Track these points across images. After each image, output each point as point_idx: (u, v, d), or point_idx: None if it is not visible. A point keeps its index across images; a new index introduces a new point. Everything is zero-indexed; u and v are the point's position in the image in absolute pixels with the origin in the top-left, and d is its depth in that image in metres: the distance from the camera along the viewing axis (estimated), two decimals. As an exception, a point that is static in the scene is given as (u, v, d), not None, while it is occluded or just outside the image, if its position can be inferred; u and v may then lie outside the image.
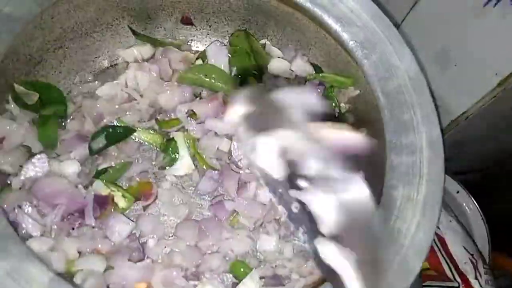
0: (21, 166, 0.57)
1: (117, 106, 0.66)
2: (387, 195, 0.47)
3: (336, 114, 0.67)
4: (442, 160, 0.49)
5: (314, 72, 0.70)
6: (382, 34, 0.57)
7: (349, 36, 0.58)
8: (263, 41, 0.72)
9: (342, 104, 0.69)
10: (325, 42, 0.67)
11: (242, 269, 0.59)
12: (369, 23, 0.59)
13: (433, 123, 0.52)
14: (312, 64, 0.71)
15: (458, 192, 0.99)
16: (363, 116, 0.65)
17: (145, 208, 0.63)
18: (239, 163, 0.66)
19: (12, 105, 0.59)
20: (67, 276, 0.50)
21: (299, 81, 0.71)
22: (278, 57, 0.71)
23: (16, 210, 0.53)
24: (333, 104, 0.67)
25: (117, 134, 0.65)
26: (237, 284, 0.56)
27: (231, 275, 0.59)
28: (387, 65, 0.56)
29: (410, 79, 0.54)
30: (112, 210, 0.59)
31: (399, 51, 0.56)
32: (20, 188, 0.56)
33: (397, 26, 0.70)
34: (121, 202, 0.59)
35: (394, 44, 0.57)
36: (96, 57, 0.71)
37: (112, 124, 0.65)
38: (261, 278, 0.57)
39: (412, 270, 0.41)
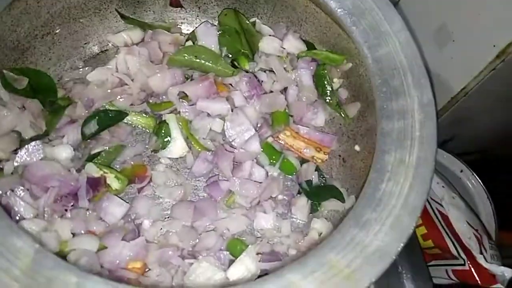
0: (14, 152, 0.57)
1: (108, 91, 0.66)
2: (379, 160, 0.46)
3: (328, 92, 0.66)
4: (434, 123, 0.48)
5: (306, 49, 0.69)
6: (370, 0, 0.56)
7: (337, 4, 0.57)
8: (253, 20, 0.71)
9: (335, 79, 0.68)
10: (315, 16, 0.66)
11: (238, 247, 0.59)
12: (358, -9, 0.58)
13: (425, 87, 0.51)
14: (304, 40, 0.70)
15: (461, 171, 0.98)
16: (356, 89, 0.64)
17: (139, 190, 0.63)
18: (233, 143, 0.65)
19: (2, 91, 0.59)
20: (61, 256, 0.49)
21: (291, 58, 0.70)
22: (269, 35, 0.70)
23: (8, 194, 0.53)
24: (325, 83, 0.66)
25: (109, 118, 0.64)
26: (233, 261, 0.55)
27: (227, 253, 0.58)
28: (376, 31, 0.55)
29: (401, 44, 0.53)
30: (106, 192, 0.59)
31: (388, 17, 0.55)
32: (12, 173, 0.56)
33: (394, 4, 0.69)
34: (115, 184, 0.59)
35: (383, 10, 0.55)
36: (85, 43, 0.70)
37: (104, 108, 0.65)
38: (258, 254, 0.56)
39: (406, 229, 0.40)
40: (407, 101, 0.50)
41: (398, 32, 0.54)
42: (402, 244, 0.39)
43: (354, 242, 0.40)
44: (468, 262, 0.76)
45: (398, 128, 0.48)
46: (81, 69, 0.69)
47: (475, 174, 0.96)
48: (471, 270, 0.76)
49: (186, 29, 0.75)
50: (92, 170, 0.58)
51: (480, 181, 0.95)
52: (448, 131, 0.94)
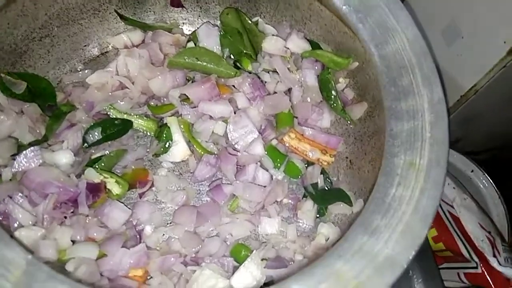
0: (13, 157, 0.56)
1: (109, 94, 0.64)
2: (388, 163, 0.44)
3: (333, 97, 0.64)
4: (446, 122, 0.45)
5: (311, 48, 0.67)
6: (377, -3, 0.54)
7: (342, 1, 0.55)
8: (255, 19, 0.70)
9: (341, 79, 0.66)
10: (320, 15, 0.64)
11: (243, 252, 0.57)
12: (363, -13, 0.56)
13: (435, 85, 0.48)
14: (308, 40, 0.68)
15: (472, 171, 0.95)
16: (363, 90, 0.62)
17: (141, 195, 0.61)
18: (236, 146, 0.63)
19: (0, 96, 0.57)
20: (59, 264, 0.48)
21: (295, 58, 0.68)
22: (272, 35, 0.68)
23: (6, 201, 0.52)
24: (330, 87, 0.64)
25: (115, 128, 0.63)
26: (238, 267, 0.54)
27: (231, 259, 0.56)
28: (383, 28, 0.52)
29: (409, 41, 0.51)
30: (107, 197, 0.58)
31: (396, 14, 0.53)
32: (10, 180, 0.55)
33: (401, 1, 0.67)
34: (115, 189, 0.58)
35: (390, 6, 0.53)
36: (85, 45, 0.69)
37: (105, 112, 0.64)
38: (263, 260, 0.54)
39: (417, 236, 0.38)
40: (416, 100, 0.47)
41: (406, 28, 0.52)
42: (413, 253, 0.37)
43: (362, 251, 0.38)
44: (481, 265, 0.74)
45: (408, 129, 0.46)
46: (80, 72, 0.68)
47: (486, 174, 0.93)
48: (484, 273, 0.74)
49: (188, 29, 0.74)
50: (92, 175, 0.57)
51: (491, 181, 0.93)
52: (458, 130, 0.92)
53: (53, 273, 0.34)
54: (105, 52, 0.71)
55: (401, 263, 0.37)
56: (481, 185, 0.94)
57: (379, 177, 0.43)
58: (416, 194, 0.41)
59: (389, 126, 0.46)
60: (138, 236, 0.57)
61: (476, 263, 0.75)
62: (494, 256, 0.73)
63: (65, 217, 0.54)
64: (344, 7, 0.54)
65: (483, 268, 0.74)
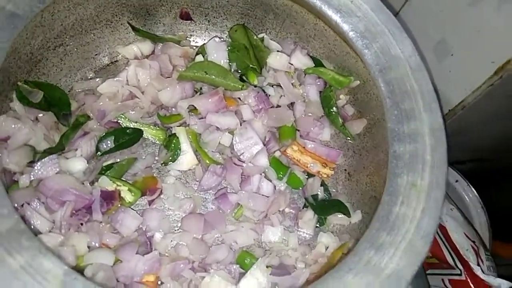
0: (30, 165, 0.58)
1: (119, 103, 0.67)
2: (391, 182, 0.48)
3: (333, 113, 0.68)
4: (445, 147, 0.49)
5: (314, 65, 0.71)
6: (382, 24, 0.58)
7: (349, 27, 0.58)
8: (261, 35, 0.72)
9: (341, 96, 0.70)
10: (324, 34, 0.67)
11: (248, 259, 0.60)
12: (369, 13, 0.59)
13: (435, 111, 0.52)
14: (311, 57, 0.71)
15: (457, 181, 1.00)
16: (363, 107, 0.66)
17: (150, 202, 0.64)
18: (241, 157, 0.66)
19: (17, 104, 0.59)
20: (78, 270, 0.50)
21: (298, 73, 0.71)
22: (277, 51, 0.71)
23: (24, 207, 0.54)
24: (331, 104, 0.68)
25: (127, 137, 0.65)
26: (244, 274, 0.57)
27: (238, 266, 0.59)
28: (388, 55, 0.56)
29: (411, 68, 0.55)
30: (119, 205, 0.60)
31: (400, 41, 0.57)
32: (27, 186, 0.57)
33: (394, 14, 0.70)
34: (128, 196, 0.60)
35: (394, 34, 0.57)
36: (96, 54, 0.71)
37: (116, 121, 0.66)
38: (267, 267, 0.57)
39: (419, 254, 0.42)
40: (418, 124, 0.51)
41: (410, 57, 0.56)
42: (416, 268, 0.41)
43: (370, 265, 0.41)
44: (465, 272, 0.78)
45: (410, 151, 0.50)
46: (91, 80, 0.69)
47: (470, 185, 0.98)
48: (467, 280, 0.78)
49: (195, 41, 0.76)
50: (106, 183, 0.59)
51: (475, 191, 0.98)
52: (445, 142, 0.95)
53: (90, 283, 0.37)
54: (115, 61, 0.73)
55: (406, 277, 0.41)
56: (465, 195, 0.98)
57: (383, 195, 0.47)
58: (418, 213, 0.45)
59: (392, 148, 0.50)
60: (148, 243, 0.60)
61: (461, 270, 0.79)
62: (478, 264, 0.78)
63: (81, 224, 0.56)
64: (351, 32, 0.58)
65: (467, 276, 0.77)
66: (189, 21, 0.74)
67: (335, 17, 0.59)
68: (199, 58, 0.71)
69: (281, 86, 0.70)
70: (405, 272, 0.41)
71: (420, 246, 0.43)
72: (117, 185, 0.60)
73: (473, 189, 0.98)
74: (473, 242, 0.82)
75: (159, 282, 0.57)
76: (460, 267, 0.79)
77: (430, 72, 0.84)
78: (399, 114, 0.52)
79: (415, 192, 0.46)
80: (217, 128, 0.67)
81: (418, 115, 0.52)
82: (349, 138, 0.68)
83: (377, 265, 0.41)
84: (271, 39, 0.73)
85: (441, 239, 0.84)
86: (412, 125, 0.51)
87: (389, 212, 0.45)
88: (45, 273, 0.37)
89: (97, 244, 0.55)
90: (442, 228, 0.84)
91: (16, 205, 0.53)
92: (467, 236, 0.83)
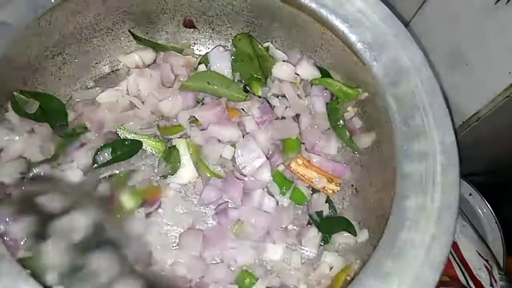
0: (22, 176, 0.56)
1: (118, 113, 0.65)
2: (398, 205, 0.45)
3: (340, 126, 0.65)
4: (457, 167, 0.46)
5: (320, 75, 0.68)
6: (391, 35, 0.55)
7: (357, 37, 0.56)
8: (266, 44, 0.70)
9: (349, 108, 0.67)
10: (331, 44, 0.65)
11: (247, 279, 0.57)
12: (378, 23, 0.56)
13: (447, 128, 0.49)
14: (318, 67, 0.68)
15: (470, 194, 0.97)
16: (371, 120, 0.63)
17: (147, 215, 0.62)
18: (243, 171, 0.64)
19: (12, 115, 0.58)
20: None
21: (304, 84, 0.69)
22: (283, 61, 0.69)
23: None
24: (337, 117, 0.65)
25: (126, 148, 0.63)
26: (243, 295, 0.54)
27: (237, 287, 0.57)
28: (397, 67, 0.53)
29: (422, 82, 0.52)
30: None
31: (409, 53, 0.54)
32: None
33: (405, 26, 0.68)
34: (128, 202, 0.58)
35: (404, 46, 0.54)
36: (96, 63, 0.69)
37: (115, 131, 0.64)
38: (268, 288, 0.55)
39: (429, 284, 0.39)
40: (428, 142, 0.48)
41: (419, 68, 0.53)
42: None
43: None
44: (478, 292, 0.75)
45: (419, 171, 0.47)
46: (91, 89, 0.68)
47: (484, 199, 0.95)
48: (480, 301, 0.75)
49: (199, 50, 0.74)
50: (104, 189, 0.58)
51: (488, 205, 0.94)
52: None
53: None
54: (116, 70, 0.71)
55: (413, 311, 0.38)
56: (478, 209, 0.95)
57: (390, 219, 0.44)
58: (427, 239, 0.42)
59: (400, 167, 0.47)
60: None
61: (473, 290, 0.76)
62: (491, 285, 0.74)
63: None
64: (358, 43, 0.55)
65: (479, 296, 0.74)
66: (193, 29, 0.72)
67: (342, 27, 0.57)
68: (202, 67, 0.69)
69: (286, 97, 0.68)
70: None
71: (429, 276, 0.40)
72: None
73: (487, 203, 0.94)
74: (486, 261, 0.79)
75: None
76: (473, 286, 0.76)
77: (443, 83, 0.83)
78: (408, 130, 0.49)
79: (425, 216, 0.43)
80: (219, 140, 0.65)
81: (429, 131, 0.49)
82: (357, 153, 0.65)
83: (382, 296, 0.39)
84: (276, 48, 0.70)
85: (453, 256, 0.81)
86: (422, 142, 0.48)
87: (395, 238, 0.42)
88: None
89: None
90: (454, 245, 0.81)
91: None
92: (480, 254, 0.80)
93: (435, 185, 0.45)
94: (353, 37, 0.56)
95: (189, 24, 0.71)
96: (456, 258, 0.80)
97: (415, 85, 0.52)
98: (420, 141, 0.49)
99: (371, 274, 0.40)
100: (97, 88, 0.67)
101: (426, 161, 0.47)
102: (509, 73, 0.69)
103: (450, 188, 0.45)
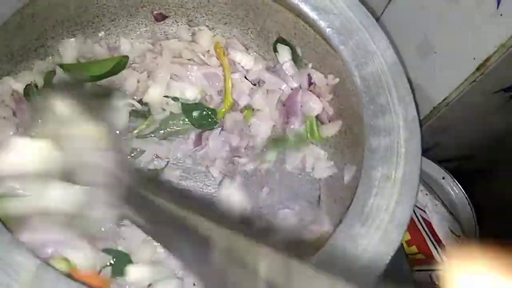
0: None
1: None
2: (366, 175, 0.48)
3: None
4: (419, 140, 0.50)
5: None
6: (358, 21, 0.58)
7: (326, 23, 0.59)
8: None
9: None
10: (305, 32, 0.68)
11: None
12: (346, 11, 0.60)
13: (409, 105, 0.53)
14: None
15: (443, 178, 1.00)
16: (344, 104, 0.67)
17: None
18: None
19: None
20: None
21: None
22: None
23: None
24: None
25: None
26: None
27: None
28: (364, 51, 0.57)
29: (387, 63, 0.56)
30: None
31: (375, 37, 0.58)
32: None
33: (376, 19, 0.71)
34: None
35: (370, 31, 0.58)
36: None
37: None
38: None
39: (394, 242, 0.43)
40: (392, 118, 0.52)
41: (384, 51, 0.57)
42: (390, 257, 0.42)
43: (346, 255, 0.42)
44: (451, 268, 0.79)
45: (385, 145, 0.50)
46: (73, 82, 0.70)
47: (456, 181, 0.99)
48: (453, 275, 0.78)
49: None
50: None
51: (461, 188, 0.98)
52: (430, 140, 0.96)
53: (62, 277, 0.37)
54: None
55: (380, 265, 0.41)
56: (451, 191, 0.99)
57: (358, 188, 0.48)
58: (392, 204, 0.46)
59: (368, 141, 0.51)
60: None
61: (446, 265, 0.79)
62: (463, 259, 0.78)
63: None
64: (328, 29, 0.59)
65: (452, 269, 0.78)
66: (171, 22, 0.75)
67: (312, 14, 0.60)
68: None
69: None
70: (380, 260, 0.42)
71: (395, 235, 0.44)
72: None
73: (459, 185, 0.98)
74: (458, 237, 0.83)
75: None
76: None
77: (415, 72, 0.87)
78: (375, 108, 0.53)
79: (390, 184, 0.47)
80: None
81: (393, 108, 0.53)
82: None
83: (353, 254, 0.42)
84: (252, 40, 0.73)
85: (427, 235, 0.85)
86: (387, 118, 0.52)
87: (364, 204, 0.46)
88: (17, 266, 0.37)
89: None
90: (428, 224, 0.85)
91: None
92: (452, 231, 0.84)
93: (399, 156, 0.49)
94: (322, 24, 0.59)
95: (160, 18, 0.74)
96: (431, 236, 0.84)
97: (380, 66, 0.55)
98: (385, 117, 0.52)
99: (342, 237, 0.44)
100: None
101: (390, 135, 0.51)
102: (474, 59, 0.73)
103: (412, 158, 0.49)
